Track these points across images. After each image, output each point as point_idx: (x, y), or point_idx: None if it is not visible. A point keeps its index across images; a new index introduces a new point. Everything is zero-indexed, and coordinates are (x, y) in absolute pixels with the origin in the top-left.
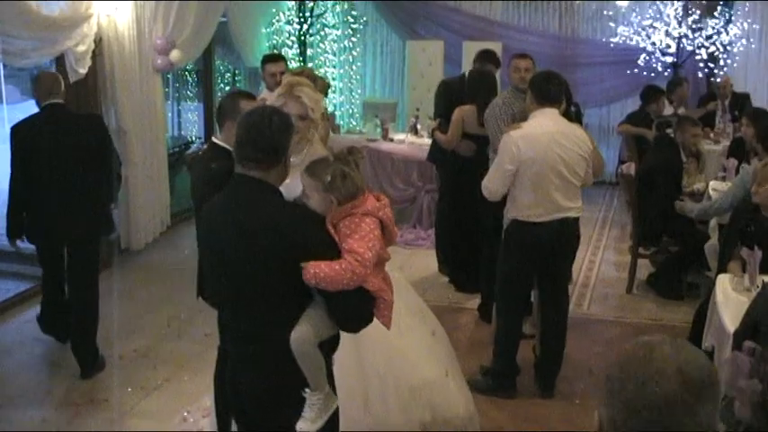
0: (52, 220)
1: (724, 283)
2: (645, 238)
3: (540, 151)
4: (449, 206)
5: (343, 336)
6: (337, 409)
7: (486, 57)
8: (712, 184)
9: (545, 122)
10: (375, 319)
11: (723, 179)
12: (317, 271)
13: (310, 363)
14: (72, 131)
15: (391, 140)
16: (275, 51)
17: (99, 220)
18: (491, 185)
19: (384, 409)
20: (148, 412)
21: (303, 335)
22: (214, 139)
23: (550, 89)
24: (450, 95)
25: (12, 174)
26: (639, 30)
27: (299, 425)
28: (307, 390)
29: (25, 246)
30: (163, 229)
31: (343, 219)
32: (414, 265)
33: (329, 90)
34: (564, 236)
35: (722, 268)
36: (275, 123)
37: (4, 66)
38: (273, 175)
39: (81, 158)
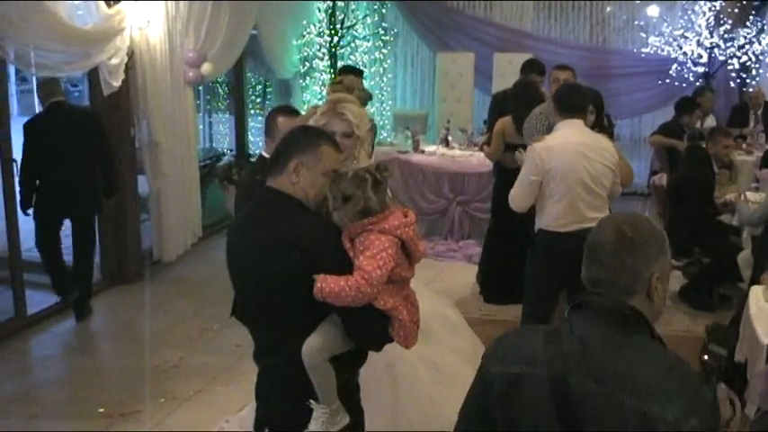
0: (58, 193)
1: (757, 294)
2: (677, 249)
3: (565, 162)
4: (497, 217)
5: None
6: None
7: (529, 66)
8: (746, 194)
9: (569, 133)
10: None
11: (756, 190)
12: (322, 285)
13: (319, 375)
14: (72, 122)
15: (422, 152)
16: (306, 63)
17: (97, 193)
18: (517, 198)
19: None
20: (181, 423)
21: (312, 347)
22: (262, 152)
23: (572, 101)
24: (500, 108)
25: (23, 159)
26: (671, 40)
27: None
28: (312, 401)
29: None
30: (194, 241)
31: (359, 234)
32: (445, 277)
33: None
34: None
35: (755, 280)
36: (287, 134)
37: (37, 79)
38: (285, 184)
39: (79, 143)
